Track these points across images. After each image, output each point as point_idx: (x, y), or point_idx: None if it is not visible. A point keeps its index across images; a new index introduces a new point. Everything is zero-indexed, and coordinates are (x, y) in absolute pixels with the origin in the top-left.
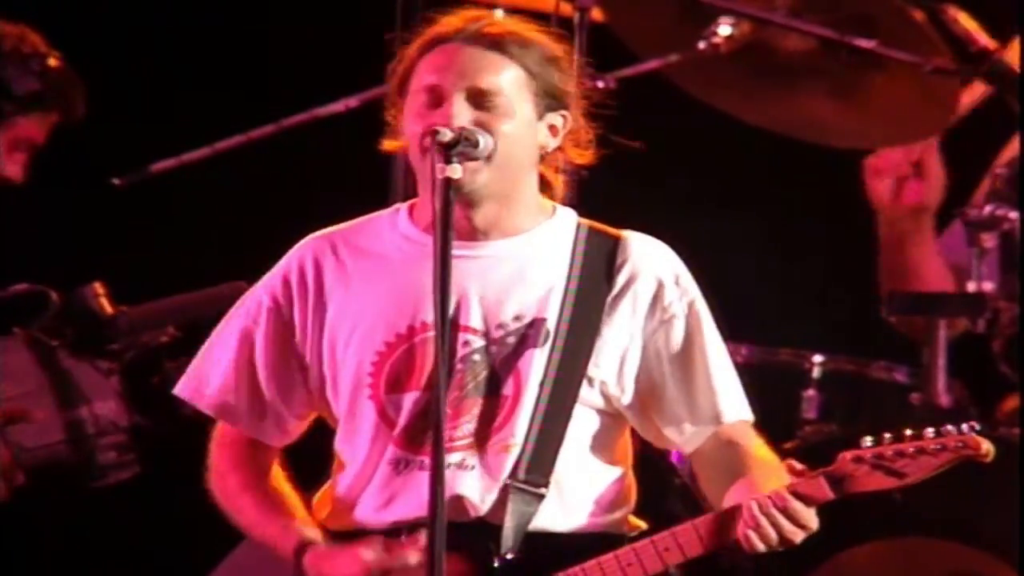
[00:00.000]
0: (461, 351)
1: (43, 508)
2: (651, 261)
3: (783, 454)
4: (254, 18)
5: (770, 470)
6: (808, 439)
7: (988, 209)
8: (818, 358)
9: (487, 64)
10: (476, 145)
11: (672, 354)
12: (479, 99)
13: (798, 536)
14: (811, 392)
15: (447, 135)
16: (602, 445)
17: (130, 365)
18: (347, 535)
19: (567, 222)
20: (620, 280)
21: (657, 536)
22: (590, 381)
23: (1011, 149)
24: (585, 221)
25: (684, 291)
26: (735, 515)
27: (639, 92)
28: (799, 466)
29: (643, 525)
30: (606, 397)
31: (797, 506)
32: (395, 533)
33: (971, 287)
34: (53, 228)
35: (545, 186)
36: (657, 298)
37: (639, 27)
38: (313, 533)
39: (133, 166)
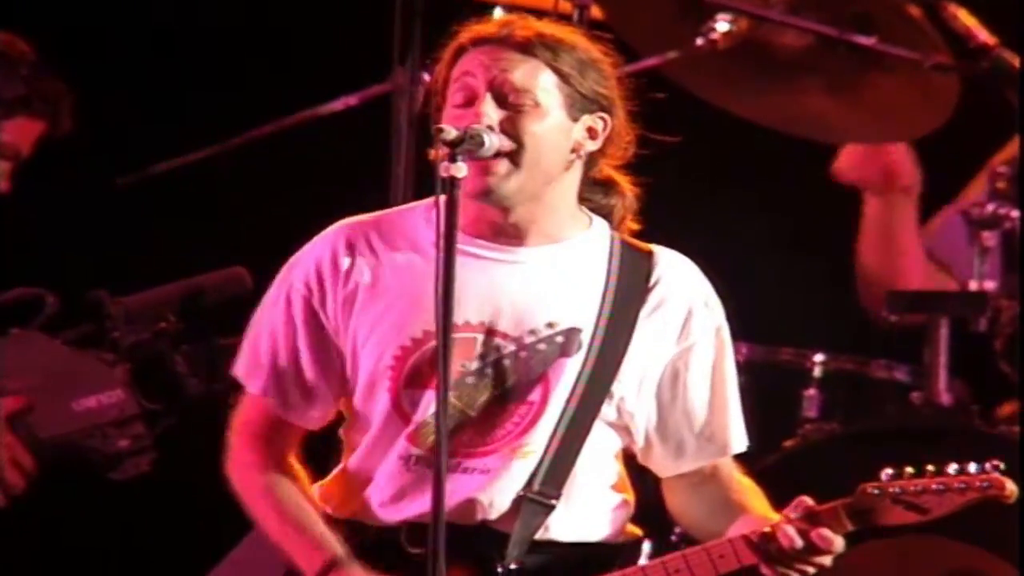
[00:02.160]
0: (492, 356)
1: (55, 499)
2: (683, 283)
3: (783, 453)
4: (253, 17)
5: (757, 499)
6: (809, 438)
7: (990, 208)
8: (819, 357)
9: (514, 66)
10: (481, 144)
11: (690, 378)
12: (506, 99)
13: (827, 559)
14: (812, 391)
15: (451, 133)
16: (610, 457)
17: (133, 353)
18: (356, 527)
19: (602, 234)
20: (653, 298)
21: (689, 551)
22: (611, 395)
23: (1012, 146)
24: (617, 234)
25: (712, 316)
26: (753, 540)
27: (638, 89)
28: (810, 502)
29: (639, 532)
30: (620, 412)
31: (825, 533)
32: (401, 531)
33: (973, 286)
34: (54, 230)
35: (611, 189)
36: (686, 321)
37: (637, 24)
38: (340, 551)
39: (134, 167)
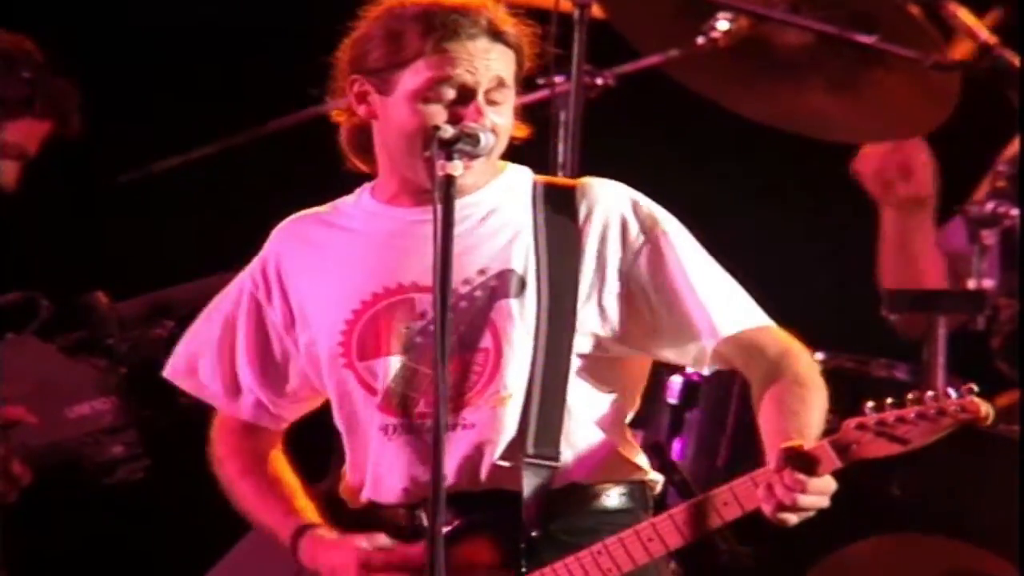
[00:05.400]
0: (429, 312)
1: (49, 506)
2: (610, 195)
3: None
4: (254, 15)
5: (796, 390)
6: None
7: (989, 206)
8: (819, 356)
9: (505, 60)
10: (477, 143)
11: (653, 280)
12: (494, 95)
13: (823, 502)
14: None
15: (448, 132)
16: (605, 393)
17: (127, 359)
18: (369, 511)
19: (521, 177)
20: (583, 218)
21: (675, 511)
22: (577, 329)
23: (1014, 146)
24: (541, 177)
25: (646, 216)
26: (748, 487)
27: (639, 88)
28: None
29: (659, 477)
30: (595, 339)
31: (809, 480)
32: (412, 508)
33: (971, 284)
34: (52, 229)
35: None
36: (623, 231)
37: (638, 23)
38: (311, 518)
39: (134, 166)
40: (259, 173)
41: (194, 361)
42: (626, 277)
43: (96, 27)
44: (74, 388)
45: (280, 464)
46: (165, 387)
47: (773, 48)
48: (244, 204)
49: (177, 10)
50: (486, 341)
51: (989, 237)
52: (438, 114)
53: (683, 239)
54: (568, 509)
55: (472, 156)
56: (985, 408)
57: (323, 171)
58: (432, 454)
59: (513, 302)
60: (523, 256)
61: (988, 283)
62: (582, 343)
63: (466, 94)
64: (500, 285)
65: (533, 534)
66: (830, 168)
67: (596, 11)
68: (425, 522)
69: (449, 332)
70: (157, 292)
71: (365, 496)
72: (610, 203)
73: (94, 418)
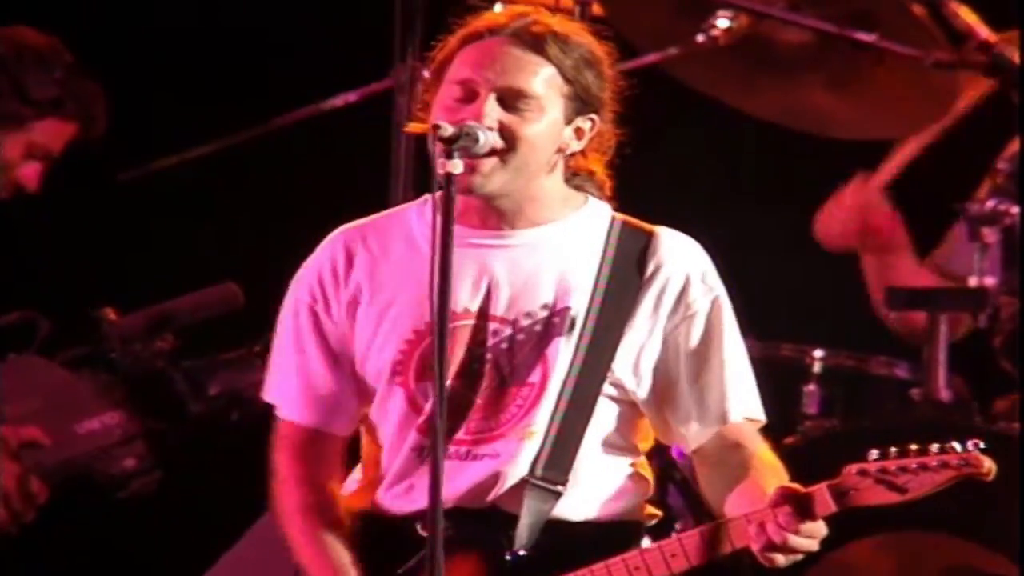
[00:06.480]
0: (490, 340)
1: (64, 522)
2: (680, 257)
3: (783, 449)
4: (254, 15)
5: (773, 474)
6: (808, 434)
7: (990, 204)
8: (819, 353)
9: (524, 65)
10: (476, 141)
11: (690, 350)
12: (510, 100)
13: (812, 545)
14: (812, 387)
15: (448, 130)
16: (619, 435)
17: (131, 373)
18: (372, 518)
19: (600, 215)
20: (648, 274)
21: (664, 542)
22: (611, 372)
23: (1015, 144)
24: (619, 216)
25: (709, 288)
26: (741, 524)
27: (638, 86)
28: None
29: (659, 513)
30: (621, 388)
31: (802, 524)
32: (416, 520)
33: (972, 282)
34: (57, 230)
35: (586, 178)
36: (683, 294)
37: (638, 21)
38: None
39: (133, 166)
40: (260, 171)
41: (276, 381)
42: (669, 337)
43: (95, 26)
44: (81, 404)
45: (338, 507)
46: (170, 400)
47: (773, 46)
48: (243, 202)
49: (177, 10)
50: (535, 376)
51: (990, 235)
52: (451, 115)
53: (731, 320)
54: (561, 537)
55: (472, 155)
56: (988, 464)
57: (323, 168)
58: (431, 458)
59: (563, 340)
60: (582, 295)
61: (989, 281)
62: (609, 388)
63: (471, 92)
64: (559, 322)
65: (520, 553)
66: (829, 165)
67: (596, 8)
68: (422, 532)
69: (446, 338)
70: (157, 305)
71: (382, 508)
72: (678, 263)
73: (104, 433)
